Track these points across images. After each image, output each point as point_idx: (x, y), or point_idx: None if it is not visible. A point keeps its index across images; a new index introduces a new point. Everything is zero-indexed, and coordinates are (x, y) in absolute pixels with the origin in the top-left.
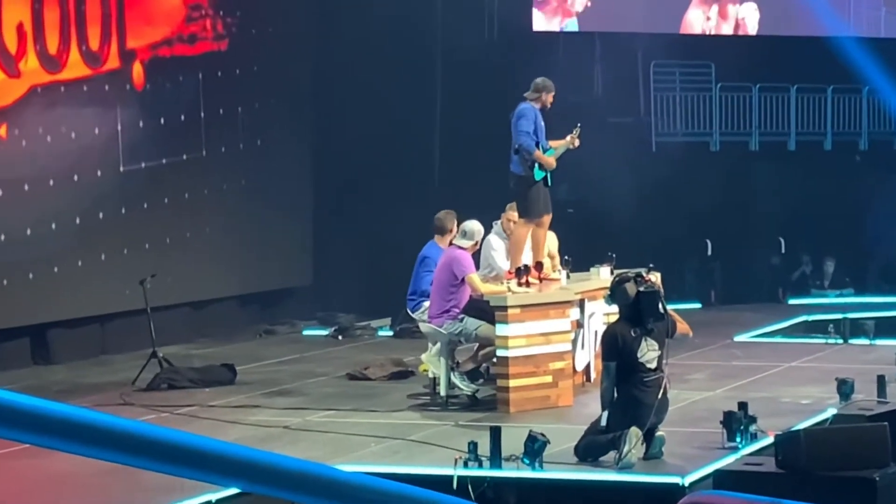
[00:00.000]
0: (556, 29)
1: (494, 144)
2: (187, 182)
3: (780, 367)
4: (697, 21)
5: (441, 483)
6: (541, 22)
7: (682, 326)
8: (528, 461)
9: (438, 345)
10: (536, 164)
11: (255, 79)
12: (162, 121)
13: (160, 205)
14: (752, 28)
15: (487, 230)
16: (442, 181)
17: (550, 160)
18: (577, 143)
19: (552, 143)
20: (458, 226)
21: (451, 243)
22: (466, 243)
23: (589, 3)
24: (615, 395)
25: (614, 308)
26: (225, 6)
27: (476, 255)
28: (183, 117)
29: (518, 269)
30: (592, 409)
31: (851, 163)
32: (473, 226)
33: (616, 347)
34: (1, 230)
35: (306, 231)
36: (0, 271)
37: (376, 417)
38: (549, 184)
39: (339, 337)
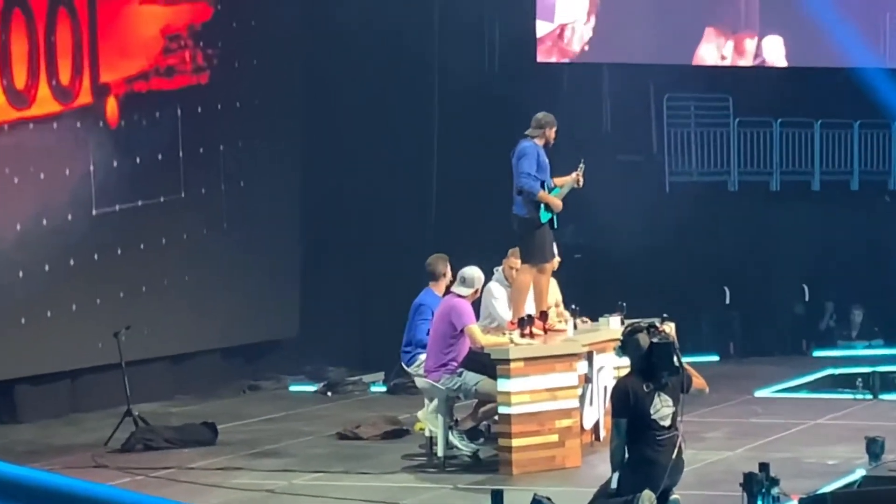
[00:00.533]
0: (561, 60)
1: (496, 184)
2: (165, 226)
3: (804, 425)
4: (710, 57)
5: None
6: (545, 52)
7: (698, 381)
8: None
9: (435, 401)
10: (542, 206)
11: (239, 115)
12: (138, 160)
13: (136, 250)
14: (778, 62)
15: (488, 277)
16: (439, 224)
17: (557, 201)
18: (581, 181)
19: (556, 181)
20: (451, 270)
21: (448, 290)
22: (465, 291)
23: (587, 46)
24: (626, 454)
25: (625, 361)
26: (205, 37)
27: (476, 304)
28: (160, 156)
29: (521, 320)
30: (602, 470)
31: (881, 203)
32: (472, 272)
33: (627, 403)
34: None
35: (293, 279)
36: None
37: (368, 480)
38: (556, 226)
39: (329, 393)
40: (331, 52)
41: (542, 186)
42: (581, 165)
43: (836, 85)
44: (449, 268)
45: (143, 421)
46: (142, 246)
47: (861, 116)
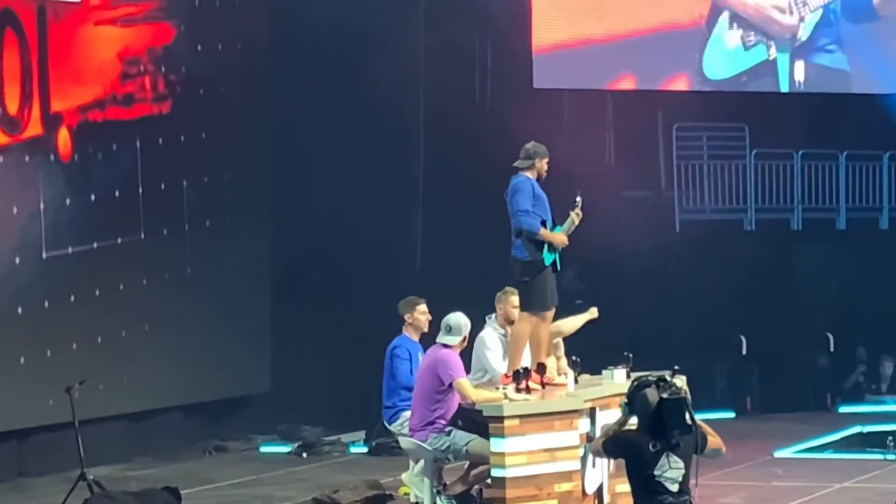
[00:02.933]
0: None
1: (489, 223)
2: (123, 270)
3: (829, 489)
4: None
5: None
6: (543, 77)
7: (714, 440)
8: None
9: (422, 463)
10: (545, 245)
11: (204, 148)
12: (92, 197)
13: (90, 297)
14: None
15: (480, 324)
16: (425, 267)
17: (562, 237)
18: (579, 217)
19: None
20: (414, 312)
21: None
22: (452, 340)
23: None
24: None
25: (633, 419)
26: (167, 61)
27: (466, 355)
28: (117, 193)
29: (516, 373)
30: None
31: None
32: (458, 319)
33: (623, 451)
34: None
35: (264, 328)
36: None
37: None
38: (560, 268)
39: (304, 454)
40: (306, 77)
41: (543, 224)
42: (578, 200)
43: (863, 113)
44: (416, 311)
45: (99, 486)
46: (97, 292)
47: (891, 147)
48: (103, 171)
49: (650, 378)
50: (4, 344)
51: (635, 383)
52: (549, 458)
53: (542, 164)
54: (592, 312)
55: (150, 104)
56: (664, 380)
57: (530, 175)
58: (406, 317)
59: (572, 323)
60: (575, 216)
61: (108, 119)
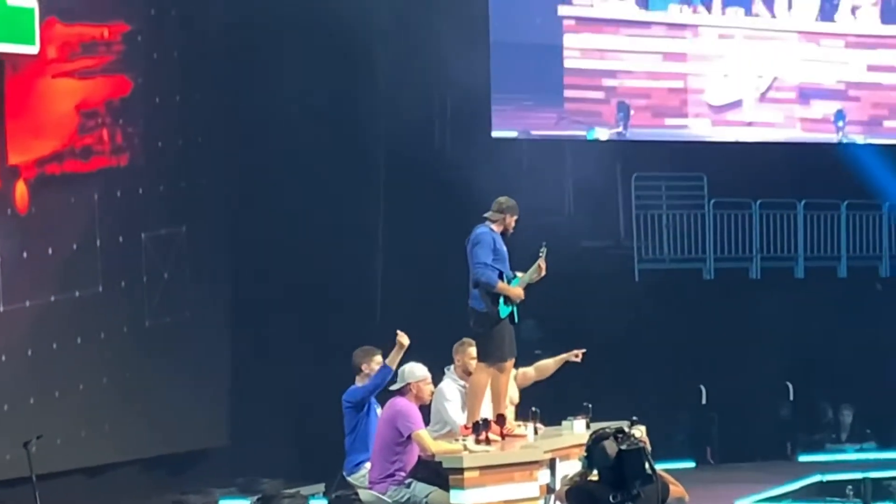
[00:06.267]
0: (518, 135)
1: (448, 272)
2: (80, 323)
3: None
4: None
5: None
6: (501, 126)
7: (676, 489)
8: None
9: None
10: (501, 298)
11: (162, 200)
12: (50, 250)
13: (47, 351)
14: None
15: (439, 377)
16: (384, 317)
17: (518, 291)
18: (544, 267)
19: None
20: (371, 362)
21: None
22: (397, 387)
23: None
24: None
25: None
26: (125, 113)
27: (426, 408)
28: (75, 246)
29: (476, 424)
30: None
31: (872, 292)
32: (404, 367)
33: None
34: None
35: (223, 381)
36: None
37: None
38: (517, 320)
39: None
40: (265, 128)
41: (501, 277)
42: (543, 249)
43: (820, 162)
44: (374, 361)
45: None
46: (54, 346)
47: (848, 196)
48: (61, 224)
49: (608, 430)
50: None
51: (593, 436)
52: None
53: (511, 221)
54: (574, 353)
55: (107, 156)
56: (622, 431)
57: (496, 228)
58: (363, 367)
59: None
60: (540, 264)
61: (66, 172)
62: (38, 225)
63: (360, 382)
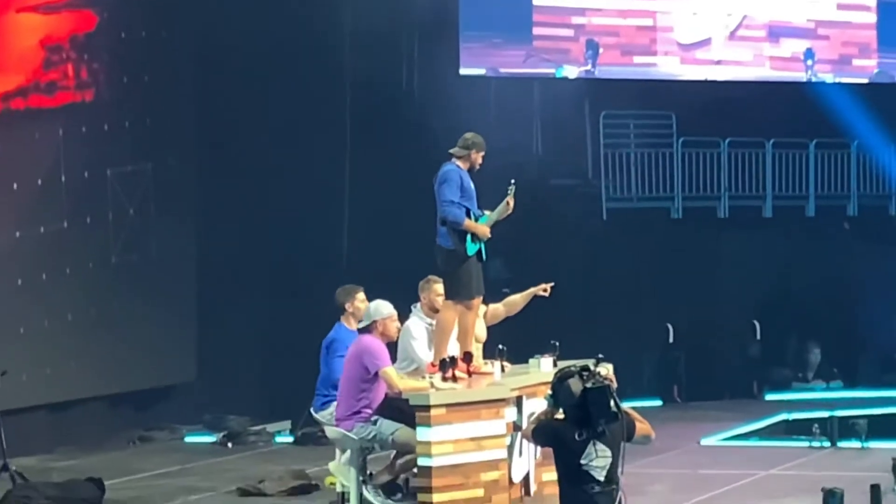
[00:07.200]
0: (486, 73)
1: (416, 211)
2: (46, 260)
3: (755, 476)
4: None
5: None
6: (469, 64)
7: (642, 426)
8: None
9: (348, 453)
10: (468, 236)
11: (128, 136)
12: (14, 186)
13: (13, 287)
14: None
15: (406, 314)
16: (351, 255)
17: (484, 229)
18: (512, 204)
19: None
20: (354, 300)
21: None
22: (362, 325)
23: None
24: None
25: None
26: (90, 49)
27: (393, 345)
28: (40, 181)
29: (443, 361)
30: None
31: (839, 231)
32: (369, 304)
33: (552, 443)
34: None
35: (189, 318)
36: None
37: None
38: (484, 258)
39: (229, 444)
40: (230, 65)
41: (469, 214)
42: (511, 187)
43: (789, 101)
44: (357, 299)
45: (22, 477)
46: (20, 282)
47: (817, 135)
48: (26, 160)
49: (573, 368)
50: None
51: (558, 374)
52: (476, 447)
53: (477, 157)
54: (542, 287)
55: (73, 92)
56: (587, 369)
57: (462, 164)
58: (347, 306)
59: (519, 298)
60: (508, 201)
61: (31, 107)
62: (3, 160)
63: (345, 321)
